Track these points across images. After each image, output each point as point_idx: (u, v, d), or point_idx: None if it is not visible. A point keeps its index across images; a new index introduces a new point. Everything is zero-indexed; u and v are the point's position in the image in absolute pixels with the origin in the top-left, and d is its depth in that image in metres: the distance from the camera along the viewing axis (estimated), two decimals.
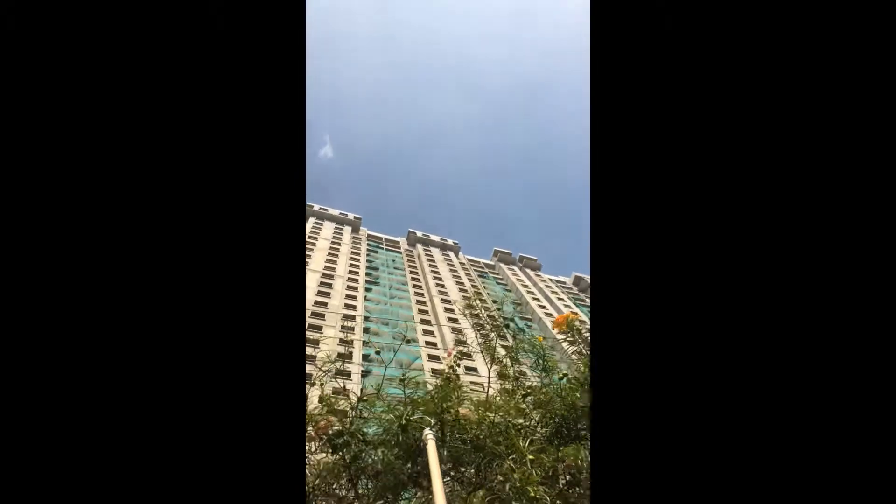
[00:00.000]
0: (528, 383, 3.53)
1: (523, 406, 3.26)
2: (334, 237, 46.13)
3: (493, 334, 4.09)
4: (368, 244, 49.29)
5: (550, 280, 53.09)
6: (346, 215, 52.44)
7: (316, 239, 43.85)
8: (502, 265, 55.35)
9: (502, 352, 3.77)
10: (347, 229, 49.92)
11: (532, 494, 2.19)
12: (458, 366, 3.21)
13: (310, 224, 47.20)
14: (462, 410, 2.92)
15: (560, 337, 3.88)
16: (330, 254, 41.61)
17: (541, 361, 3.59)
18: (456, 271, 48.37)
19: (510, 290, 48.02)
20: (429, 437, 2.39)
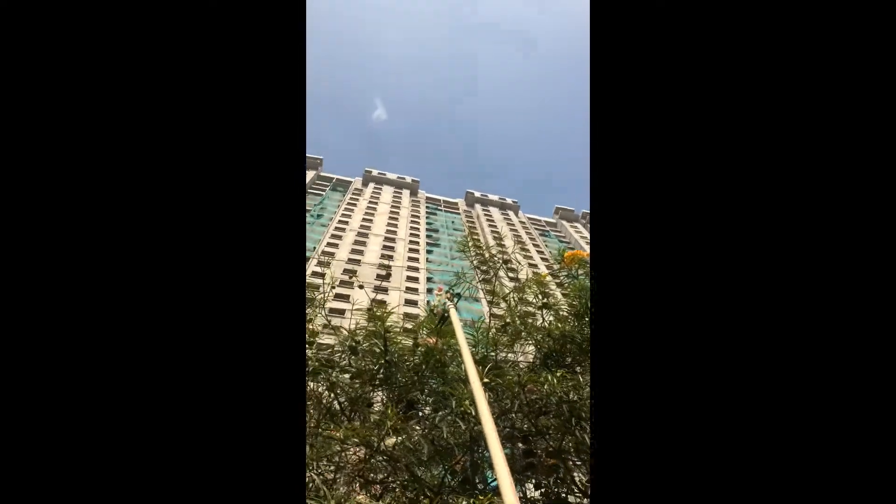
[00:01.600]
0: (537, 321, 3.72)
1: (504, 337, 3.49)
2: (394, 201, 46.99)
3: (492, 273, 4.34)
4: (427, 206, 49.76)
5: None
6: (404, 178, 53.06)
7: (377, 203, 44.95)
8: (564, 222, 53.76)
9: (506, 291, 4.04)
10: (406, 192, 50.60)
11: (462, 409, 2.36)
12: (455, 302, 3.28)
13: (369, 189, 48.32)
14: (429, 339, 3.04)
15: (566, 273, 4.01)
16: (390, 218, 42.57)
17: (540, 297, 3.84)
18: (516, 230, 47.69)
19: (573, 248, 46.79)
20: (450, 307, 2.57)
